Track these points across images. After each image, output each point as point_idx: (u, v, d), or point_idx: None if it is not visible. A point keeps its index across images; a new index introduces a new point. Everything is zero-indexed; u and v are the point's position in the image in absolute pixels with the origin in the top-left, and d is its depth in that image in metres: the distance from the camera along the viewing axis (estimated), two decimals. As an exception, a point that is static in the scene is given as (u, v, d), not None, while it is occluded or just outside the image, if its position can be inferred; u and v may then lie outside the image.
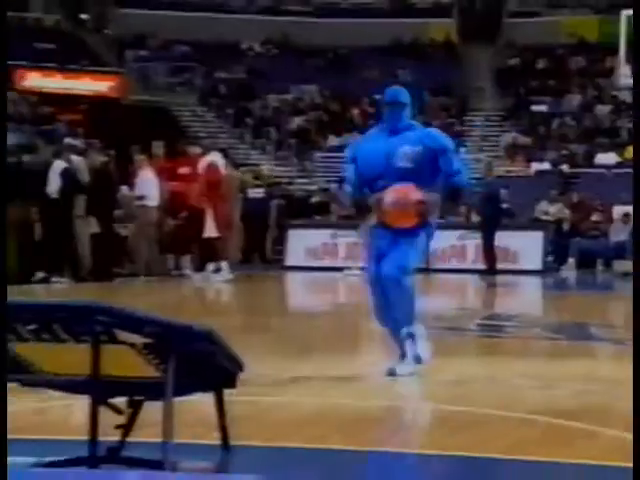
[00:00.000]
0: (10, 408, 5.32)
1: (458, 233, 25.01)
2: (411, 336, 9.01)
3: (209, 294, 20.46)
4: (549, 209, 27.33)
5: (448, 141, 9.26)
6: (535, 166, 32.06)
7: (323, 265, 24.65)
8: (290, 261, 25.52)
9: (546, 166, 32.00)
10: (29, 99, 33.44)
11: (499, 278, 22.00)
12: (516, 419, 7.00)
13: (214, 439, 5.07)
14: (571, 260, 26.42)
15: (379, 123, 9.67)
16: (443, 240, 25.09)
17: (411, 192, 8.74)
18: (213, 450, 5.07)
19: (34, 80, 34.57)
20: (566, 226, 26.84)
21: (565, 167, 31.45)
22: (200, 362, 4.91)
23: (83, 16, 39.55)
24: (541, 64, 37.69)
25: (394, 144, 8.97)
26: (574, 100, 36.38)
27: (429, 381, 9.14)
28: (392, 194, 8.75)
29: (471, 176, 9.03)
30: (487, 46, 38.21)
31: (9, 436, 5.27)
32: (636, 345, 5.89)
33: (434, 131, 9.53)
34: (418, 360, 8.90)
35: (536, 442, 6.26)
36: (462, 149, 33.27)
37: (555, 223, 26.74)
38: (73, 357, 4.89)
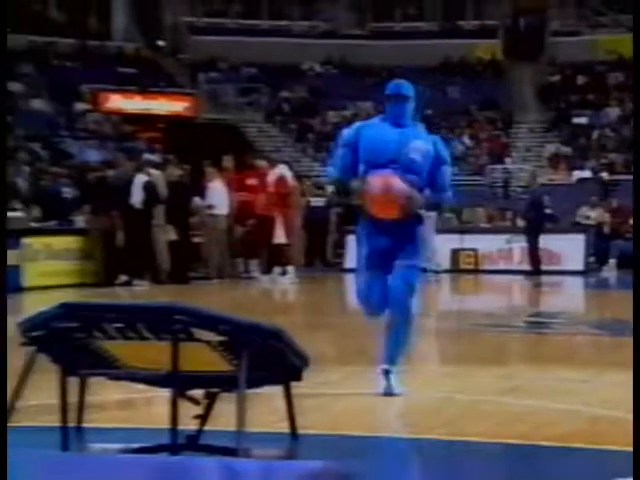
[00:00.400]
0: (97, 399, 5.37)
1: (505, 237, 24.90)
2: (387, 372, 7.92)
3: (276, 295, 20.50)
4: (590, 214, 27.16)
5: (448, 155, 8.58)
6: (576, 174, 31.89)
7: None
8: (349, 264, 25.40)
9: (587, 174, 31.83)
10: (112, 119, 33.68)
11: (544, 278, 21.90)
12: (563, 410, 6.96)
13: (283, 428, 5.09)
14: (612, 261, 26.18)
15: (382, 115, 8.67)
16: (492, 243, 25.09)
17: (397, 182, 8.01)
18: (282, 438, 5.08)
19: (116, 102, 34.81)
20: (606, 229, 26.64)
21: (605, 175, 31.24)
22: (269, 357, 4.93)
23: (160, 43, 39.81)
24: (581, 80, 37.47)
25: (407, 135, 8.25)
26: (613, 113, 36.16)
27: (481, 374, 9.12)
28: (379, 181, 8.06)
29: (452, 194, 8.66)
30: (530, 64, 38.03)
31: (99, 425, 5.33)
32: (636, 345, 5.52)
33: (441, 141, 8.68)
34: (389, 394, 7.80)
35: (583, 431, 6.23)
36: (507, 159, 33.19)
37: (596, 227, 26.56)
38: (155, 353, 4.93)
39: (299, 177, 25.61)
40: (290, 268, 22.52)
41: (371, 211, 8.15)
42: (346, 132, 8.58)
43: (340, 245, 26.01)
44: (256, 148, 31.75)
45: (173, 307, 5.01)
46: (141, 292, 19.48)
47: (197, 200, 22.43)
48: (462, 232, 25.87)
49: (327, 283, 23.14)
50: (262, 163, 23.72)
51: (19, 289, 20.01)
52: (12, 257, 20.43)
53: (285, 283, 21.80)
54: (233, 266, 22.81)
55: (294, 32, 39.09)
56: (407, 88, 8.43)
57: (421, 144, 8.20)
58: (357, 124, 8.75)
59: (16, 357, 5.00)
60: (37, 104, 32.62)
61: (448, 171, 8.42)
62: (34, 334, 4.99)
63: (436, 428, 6.54)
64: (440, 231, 23.28)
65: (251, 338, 4.85)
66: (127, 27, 38.83)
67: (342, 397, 7.46)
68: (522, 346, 12.28)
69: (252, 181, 22.95)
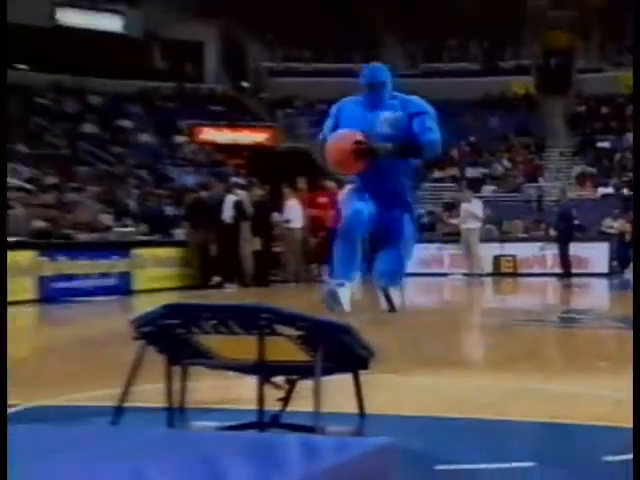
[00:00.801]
0: (196, 385, 5.40)
1: (539, 245, 24.75)
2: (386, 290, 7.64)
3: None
4: (613, 224, 26.86)
5: (428, 107, 7.43)
6: (601, 190, 31.56)
7: (432, 272, 24.56)
8: (407, 269, 25.40)
9: (610, 190, 31.50)
10: (205, 149, 33.99)
11: (574, 280, 21.77)
12: (592, 394, 6.90)
13: (352, 409, 5.09)
14: (632, 265, 26.01)
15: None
16: (528, 250, 24.95)
17: (352, 133, 7.13)
18: (352, 418, 5.08)
19: (209, 134, 35.11)
20: (627, 237, 26.32)
21: (625, 191, 30.92)
22: (340, 350, 4.92)
23: (244, 84, 40.21)
24: (604, 110, 37.09)
25: (376, 112, 7.27)
26: (631, 138, 35.84)
27: (522, 362, 9.06)
28: (334, 135, 7.30)
29: (439, 141, 7.36)
30: (560, 97, 37.73)
31: (198, 406, 5.36)
32: (636, 345, 5.36)
33: (415, 98, 7.60)
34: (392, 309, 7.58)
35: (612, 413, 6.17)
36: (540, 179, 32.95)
37: (618, 235, 26.26)
38: (244, 346, 4.95)
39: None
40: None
41: (327, 161, 7.46)
42: (333, 106, 7.83)
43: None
44: (325, 172, 31.75)
45: (259, 307, 5.04)
46: (231, 294, 19.59)
47: (276, 216, 22.65)
48: (502, 241, 25.74)
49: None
50: (331, 184, 23.83)
51: (130, 292, 20.19)
52: (124, 265, 20.66)
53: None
54: (307, 271, 22.90)
55: (354, 71, 39.04)
56: (382, 73, 7.58)
57: (389, 114, 7.33)
58: (342, 100, 7.89)
59: (129, 349, 5.05)
60: (144, 138, 32.94)
61: (425, 118, 7.29)
62: (144, 330, 5.04)
63: (484, 407, 6.52)
64: (483, 240, 23.28)
65: (325, 333, 4.86)
66: (217, 71, 39.12)
67: (403, 382, 7.43)
68: (556, 338, 12.19)
69: (323, 199, 23.17)
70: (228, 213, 21.22)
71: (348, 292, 7.26)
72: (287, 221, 22.32)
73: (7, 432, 3.18)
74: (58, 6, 33.77)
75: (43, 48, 32.63)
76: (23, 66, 33.24)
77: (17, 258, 18.57)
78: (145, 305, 12.29)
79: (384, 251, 7.67)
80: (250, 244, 21.45)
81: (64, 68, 33.12)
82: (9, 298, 17.52)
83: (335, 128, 7.42)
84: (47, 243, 19.86)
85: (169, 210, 24.98)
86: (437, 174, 33.58)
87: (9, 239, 19.47)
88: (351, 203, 7.46)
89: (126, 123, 33.49)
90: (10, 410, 6.60)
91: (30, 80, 32.96)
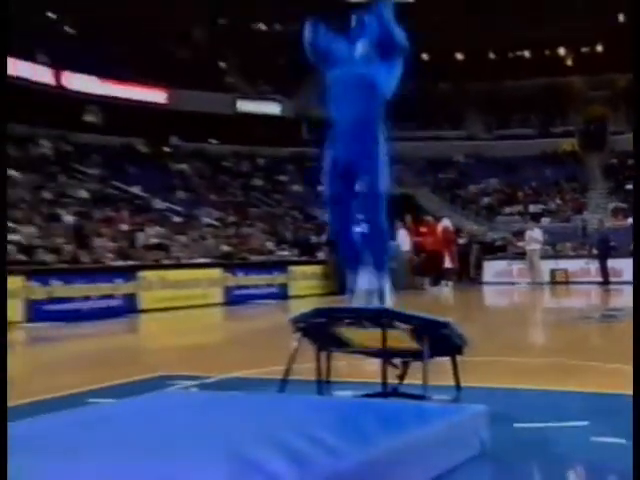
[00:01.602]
0: (338, 365, 5.38)
1: (585, 260, 24.30)
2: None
3: (441, 299, 20.26)
4: (639, 245, 26.15)
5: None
6: (629, 221, 30.71)
7: (504, 281, 24.26)
8: (485, 279, 25.14)
9: (636, 220, 30.73)
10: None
11: (611, 287, 21.29)
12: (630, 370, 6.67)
13: (451, 383, 5.01)
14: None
15: None
16: (576, 265, 24.47)
17: None
18: (451, 390, 5.01)
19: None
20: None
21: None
22: (441, 339, 4.86)
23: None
24: (630, 162, 36.10)
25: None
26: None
27: (573, 346, 8.85)
28: None
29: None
30: (597, 153, 36.85)
31: (339, 379, 5.33)
32: (636, 345, 5.05)
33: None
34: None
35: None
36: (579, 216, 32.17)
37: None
38: (371, 337, 4.93)
39: (454, 226, 25.42)
40: (449, 282, 22.49)
41: None
42: None
43: (479, 267, 25.64)
44: (425, 210, 31.50)
45: (383, 309, 5.03)
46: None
47: (391, 243, 22.56)
48: (557, 258, 25.33)
49: (471, 292, 22.77)
50: (429, 219, 24.10)
51: (287, 297, 20.37)
52: (282, 278, 20.87)
53: (446, 292, 21.64)
54: (414, 282, 22.73)
55: (446, 136, 38.59)
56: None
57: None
58: None
59: (289, 339, 5.09)
60: (296, 187, 33.25)
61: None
62: (300, 325, 5.06)
63: (550, 381, 6.36)
64: (543, 258, 23.25)
65: (430, 328, 4.82)
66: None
67: (487, 362, 7.30)
68: (599, 330, 11.87)
69: (424, 230, 23.31)
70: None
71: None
72: (398, 246, 22.29)
73: (7, 430, 3.05)
74: (238, 98, 34.66)
75: (227, 128, 33.37)
76: (214, 141, 34.07)
77: (210, 274, 18.94)
78: (298, 307, 12.36)
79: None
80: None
81: (241, 141, 33.78)
82: (204, 302, 17.94)
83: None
84: (230, 263, 20.19)
85: (314, 239, 25.14)
86: (507, 210, 33.26)
87: (203, 260, 19.90)
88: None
89: (283, 178, 33.89)
90: (209, 380, 6.71)
91: (218, 150, 33.70)
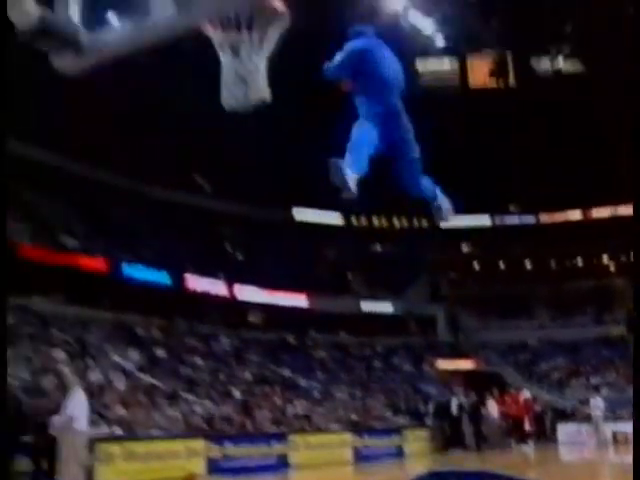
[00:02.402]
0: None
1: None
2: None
3: (525, 457, 18.81)
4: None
5: None
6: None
7: (574, 441, 22.73)
8: (559, 440, 23.68)
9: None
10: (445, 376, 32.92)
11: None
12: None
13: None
14: None
15: None
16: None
17: None
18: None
19: (449, 364, 33.95)
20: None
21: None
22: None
23: (460, 336, 38.72)
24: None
25: None
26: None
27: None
28: None
29: None
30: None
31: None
32: (636, 346, 4.33)
33: None
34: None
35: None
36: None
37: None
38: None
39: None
40: (530, 442, 21.46)
41: None
42: None
43: (553, 429, 24.24)
44: (509, 384, 30.34)
45: (487, 473, 5.03)
46: (457, 457, 18.65)
47: (482, 409, 21.78)
48: (617, 421, 23.69)
49: (548, 450, 21.24)
50: (512, 391, 23.49)
51: (403, 456, 19.62)
52: (398, 440, 20.13)
53: (528, 451, 20.55)
54: (502, 442, 21.63)
55: (522, 326, 37.55)
56: None
57: None
58: None
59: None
60: (406, 367, 32.69)
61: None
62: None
63: None
64: (605, 421, 22.13)
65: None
66: (445, 331, 38.36)
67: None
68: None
69: (508, 400, 22.61)
70: (454, 408, 20.80)
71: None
72: (489, 413, 21.61)
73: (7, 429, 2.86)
74: (361, 300, 34.68)
75: (354, 323, 33.46)
76: (344, 333, 34.02)
77: (342, 438, 18.71)
78: (413, 465, 12.02)
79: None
80: (468, 427, 20.76)
81: (364, 332, 33.65)
82: (338, 459, 17.61)
83: None
84: (357, 429, 19.77)
85: (422, 408, 24.45)
86: (574, 382, 31.58)
87: (337, 426, 19.67)
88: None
89: (396, 360, 33.30)
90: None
91: (347, 340, 33.63)
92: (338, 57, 3.97)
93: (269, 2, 3.76)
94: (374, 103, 3.91)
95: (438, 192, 4.28)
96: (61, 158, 25.71)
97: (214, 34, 3.69)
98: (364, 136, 3.83)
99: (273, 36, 3.82)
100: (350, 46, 3.96)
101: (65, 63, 3.35)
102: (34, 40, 3.20)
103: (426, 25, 21.36)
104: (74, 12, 3.21)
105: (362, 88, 3.94)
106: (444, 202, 4.29)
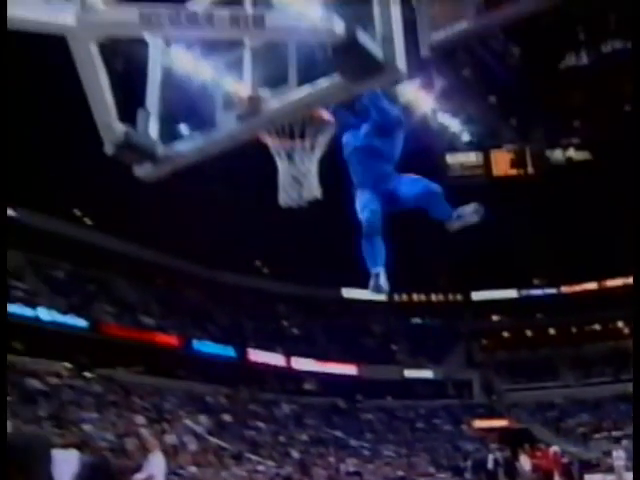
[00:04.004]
0: None
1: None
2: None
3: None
4: None
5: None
6: None
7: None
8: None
9: None
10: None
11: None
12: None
13: None
14: None
15: None
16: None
17: None
18: None
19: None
20: None
21: None
22: None
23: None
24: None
25: None
26: None
27: None
28: None
29: None
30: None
31: None
32: (636, 348, 3.76)
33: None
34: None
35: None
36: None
37: None
38: None
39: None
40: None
41: None
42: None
43: (581, 476, 22.54)
44: (539, 439, 28.47)
45: None
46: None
47: (518, 466, 20.41)
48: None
49: None
50: (543, 446, 22.05)
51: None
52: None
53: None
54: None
55: (548, 386, 35.81)
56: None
57: None
58: None
59: None
60: (446, 427, 31.31)
61: None
62: None
63: None
64: (628, 471, 20.13)
65: None
66: (480, 385, 36.78)
67: None
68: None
69: (539, 454, 21.17)
70: (490, 464, 19.66)
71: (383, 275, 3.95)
72: (521, 466, 20.29)
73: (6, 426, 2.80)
74: (405, 368, 33.78)
75: (397, 390, 32.54)
76: (390, 397, 33.03)
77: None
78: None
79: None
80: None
81: (407, 396, 32.58)
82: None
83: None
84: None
85: (462, 464, 23.11)
86: (597, 436, 29.62)
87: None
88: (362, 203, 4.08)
89: (437, 421, 31.98)
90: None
91: (391, 404, 32.57)
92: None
93: (318, 113, 3.87)
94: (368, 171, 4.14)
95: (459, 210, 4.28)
96: (143, 249, 26.32)
97: (271, 142, 3.76)
98: (374, 222, 3.98)
99: (323, 142, 3.89)
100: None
101: (145, 172, 3.42)
102: (120, 154, 3.31)
103: (453, 124, 21.91)
104: (153, 128, 3.30)
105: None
106: (463, 210, 4.30)
